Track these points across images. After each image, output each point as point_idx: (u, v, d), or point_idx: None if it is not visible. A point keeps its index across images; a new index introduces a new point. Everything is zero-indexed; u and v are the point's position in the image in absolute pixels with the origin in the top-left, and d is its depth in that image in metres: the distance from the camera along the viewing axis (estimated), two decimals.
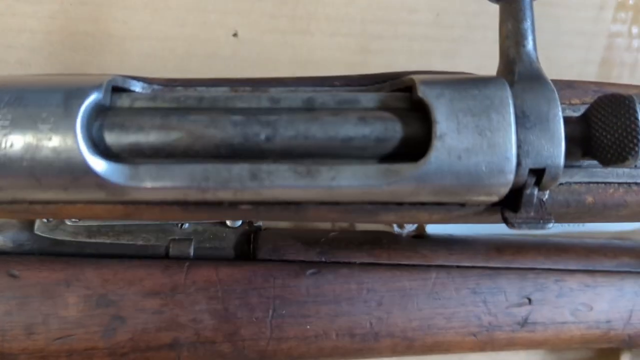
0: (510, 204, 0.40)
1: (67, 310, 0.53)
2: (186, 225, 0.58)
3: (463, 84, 0.38)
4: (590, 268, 0.59)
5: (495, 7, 0.69)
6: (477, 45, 0.72)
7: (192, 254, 0.56)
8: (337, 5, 0.72)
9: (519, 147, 0.37)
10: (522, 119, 0.38)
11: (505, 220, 0.40)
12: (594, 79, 0.68)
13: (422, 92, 0.37)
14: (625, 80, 0.74)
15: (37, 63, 0.70)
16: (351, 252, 0.57)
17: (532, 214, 0.40)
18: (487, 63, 0.70)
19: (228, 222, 0.58)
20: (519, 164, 0.37)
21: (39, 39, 0.70)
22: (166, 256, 0.56)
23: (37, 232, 0.56)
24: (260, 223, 0.59)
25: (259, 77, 0.43)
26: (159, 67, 0.71)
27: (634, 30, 0.74)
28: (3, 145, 0.37)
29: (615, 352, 0.65)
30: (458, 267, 0.57)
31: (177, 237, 0.57)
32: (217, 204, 0.39)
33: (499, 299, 0.57)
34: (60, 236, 0.56)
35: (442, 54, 0.72)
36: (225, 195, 0.38)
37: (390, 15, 0.73)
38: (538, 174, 0.38)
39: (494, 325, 0.57)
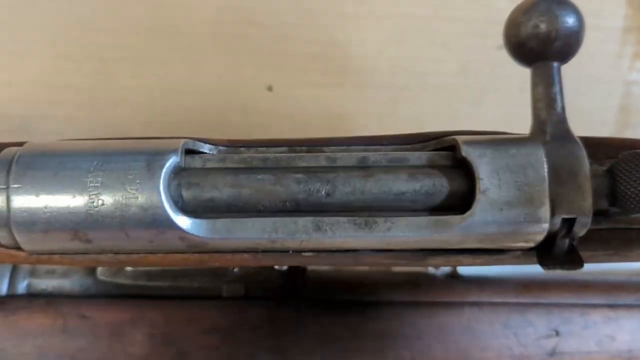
0: (545, 249, 0.44)
1: (134, 347, 0.57)
2: (237, 269, 0.62)
3: (502, 144, 0.43)
4: (612, 302, 0.63)
5: None
6: (502, 93, 0.76)
7: (244, 294, 0.60)
8: (366, 58, 0.77)
9: (552, 200, 0.42)
10: (554, 175, 0.42)
11: (541, 264, 0.44)
12: (613, 124, 0.73)
13: (466, 151, 0.42)
14: None
15: (83, 117, 0.74)
16: (392, 291, 0.61)
17: (564, 258, 0.44)
18: (512, 111, 0.75)
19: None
20: (552, 214, 0.42)
21: (84, 94, 0.75)
22: (220, 296, 0.61)
23: (100, 277, 0.61)
24: None
25: (314, 138, 0.48)
26: (199, 120, 0.75)
27: None
28: (95, 204, 0.41)
29: None
30: (490, 303, 0.62)
31: (229, 279, 0.61)
32: (284, 252, 0.44)
33: (529, 331, 0.61)
34: (121, 280, 0.61)
35: (469, 103, 0.76)
36: (292, 244, 0.43)
37: (417, 66, 0.77)
38: (569, 222, 0.42)
39: (525, 356, 0.61)
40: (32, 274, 0.61)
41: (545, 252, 0.45)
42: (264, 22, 0.77)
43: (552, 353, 0.61)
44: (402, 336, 0.60)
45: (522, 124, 0.74)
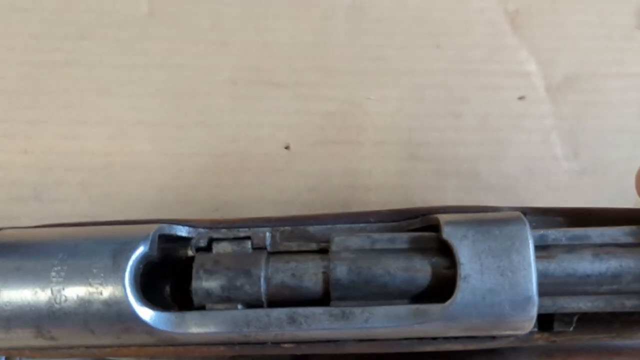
0: None
1: None
2: None
3: (485, 224, 0.40)
4: None
5: (539, 109, 0.71)
6: (523, 147, 0.73)
7: None
8: (384, 114, 0.74)
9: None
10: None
11: None
12: None
13: (447, 233, 0.40)
14: None
15: (97, 183, 0.73)
16: None
17: None
18: (533, 166, 0.72)
19: None
20: None
21: (99, 160, 0.73)
22: None
23: None
24: None
25: (298, 215, 0.46)
26: (214, 183, 0.73)
27: None
28: (58, 299, 0.40)
29: None
30: None
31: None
32: (261, 344, 0.42)
33: None
34: None
35: (488, 158, 0.73)
36: (266, 337, 0.41)
37: (436, 121, 0.74)
38: None
39: None
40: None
41: None
42: (281, 81, 0.75)
43: None
44: None
45: (545, 178, 0.72)
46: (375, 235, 0.43)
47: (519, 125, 0.75)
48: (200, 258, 0.42)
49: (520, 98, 0.75)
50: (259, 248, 0.43)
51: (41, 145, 0.73)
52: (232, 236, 0.44)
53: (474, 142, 0.74)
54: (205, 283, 0.41)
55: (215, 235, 0.44)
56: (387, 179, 0.74)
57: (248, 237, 0.44)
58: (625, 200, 0.73)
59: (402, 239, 0.42)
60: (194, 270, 0.41)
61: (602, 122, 0.75)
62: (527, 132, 0.74)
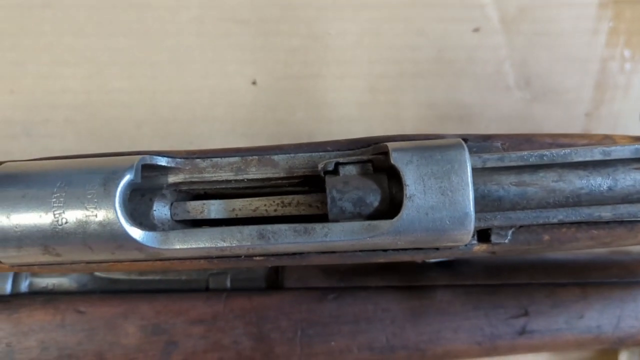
0: None
1: (128, 339, 0.63)
2: None
3: (428, 150, 0.45)
4: (580, 281, 0.66)
5: (493, 40, 0.75)
6: (478, 77, 0.78)
7: (229, 285, 0.65)
8: (345, 49, 0.79)
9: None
10: None
11: None
12: (588, 102, 0.74)
13: (394, 159, 0.45)
14: (619, 102, 0.80)
15: (81, 120, 0.78)
16: (367, 277, 0.65)
17: None
18: (487, 95, 0.76)
19: None
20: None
21: (81, 98, 0.78)
22: (207, 289, 0.65)
23: (96, 273, 0.65)
24: None
25: (264, 146, 0.51)
26: (187, 117, 0.79)
27: (626, 53, 0.79)
28: (60, 222, 0.45)
29: (614, 351, 0.72)
30: (462, 285, 0.65)
31: (215, 272, 0.65)
32: (236, 257, 0.48)
33: (499, 311, 0.64)
34: (116, 275, 0.65)
35: (445, 89, 0.78)
36: (240, 251, 0.47)
37: (394, 54, 0.79)
38: None
39: (496, 335, 0.64)
40: (33, 273, 0.65)
41: None
42: (245, 18, 0.79)
43: (522, 332, 0.64)
44: (377, 319, 0.63)
45: (498, 106, 0.77)
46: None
47: (474, 57, 0.79)
48: (331, 180, 0.48)
49: (475, 30, 0.79)
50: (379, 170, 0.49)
51: (26, 85, 0.78)
52: (355, 160, 0.49)
53: (430, 73, 0.79)
54: (339, 202, 0.47)
55: (341, 160, 0.49)
56: (348, 111, 0.79)
57: (370, 161, 0.49)
58: (573, 127, 0.78)
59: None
60: (327, 191, 0.47)
61: (554, 52, 0.79)
62: (481, 63, 0.79)
